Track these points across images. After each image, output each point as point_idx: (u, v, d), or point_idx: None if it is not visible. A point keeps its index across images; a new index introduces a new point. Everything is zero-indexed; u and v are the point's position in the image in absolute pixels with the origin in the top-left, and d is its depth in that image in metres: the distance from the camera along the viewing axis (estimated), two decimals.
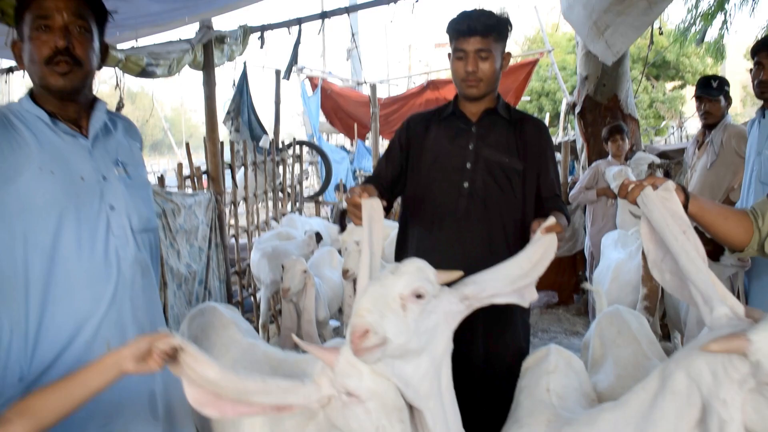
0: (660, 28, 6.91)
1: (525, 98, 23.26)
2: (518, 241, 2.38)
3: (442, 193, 2.46)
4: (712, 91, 4.29)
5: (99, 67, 1.92)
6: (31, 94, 1.82)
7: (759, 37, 4.96)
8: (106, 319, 1.75)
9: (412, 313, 1.48)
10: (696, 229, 1.89)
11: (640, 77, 12.39)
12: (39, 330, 1.67)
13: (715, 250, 2.70)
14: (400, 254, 2.61)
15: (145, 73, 4.59)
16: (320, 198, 8.97)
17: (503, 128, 2.48)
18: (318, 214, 8.77)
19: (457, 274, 1.64)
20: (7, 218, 1.66)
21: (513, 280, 1.65)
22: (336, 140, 18.30)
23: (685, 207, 1.69)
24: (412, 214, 2.57)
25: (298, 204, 7.53)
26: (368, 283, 1.54)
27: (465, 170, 2.43)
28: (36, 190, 1.68)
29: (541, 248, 1.76)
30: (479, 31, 2.33)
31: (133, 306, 1.83)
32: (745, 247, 1.88)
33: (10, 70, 7.58)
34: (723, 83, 4.33)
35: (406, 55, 46.04)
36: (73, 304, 1.71)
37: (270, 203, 6.74)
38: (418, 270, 1.55)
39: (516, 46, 28.45)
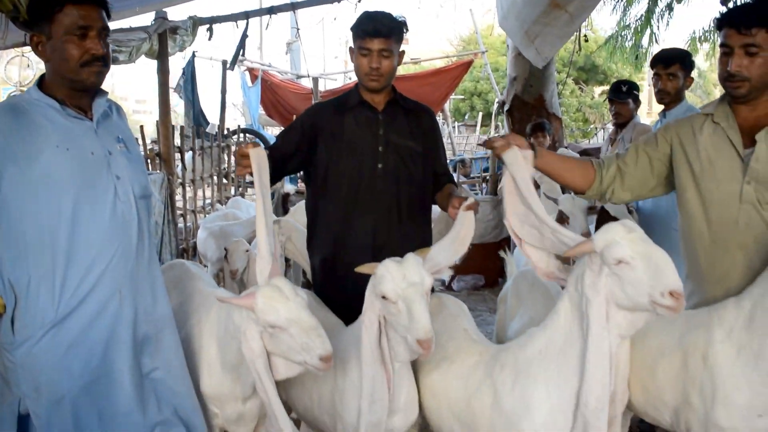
0: (585, 36, 7.54)
1: (458, 97, 23.91)
2: (421, 210, 2.89)
3: (360, 173, 2.77)
4: (621, 95, 4.82)
5: None
6: (39, 85, 2.08)
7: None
8: (117, 271, 2.07)
9: None
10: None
11: (565, 79, 13.11)
12: (64, 282, 1.98)
13: None
14: (314, 227, 2.92)
15: None
16: None
17: (403, 116, 2.86)
18: None
19: (428, 251, 2.10)
20: (33, 191, 1.95)
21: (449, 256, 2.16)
22: (271, 131, 18.37)
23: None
24: (326, 190, 2.84)
25: (240, 188, 7.83)
26: (421, 301, 1.91)
27: (378, 153, 2.78)
28: (56, 165, 1.97)
29: (464, 227, 2.20)
30: (383, 33, 2.67)
31: (138, 261, 2.15)
32: (586, 191, 2.42)
33: None
34: (632, 87, 4.87)
35: (342, 50, 46.36)
36: (90, 259, 2.02)
37: (215, 187, 7.03)
38: (419, 264, 1.98)
39: (450, 46, 29.07)
